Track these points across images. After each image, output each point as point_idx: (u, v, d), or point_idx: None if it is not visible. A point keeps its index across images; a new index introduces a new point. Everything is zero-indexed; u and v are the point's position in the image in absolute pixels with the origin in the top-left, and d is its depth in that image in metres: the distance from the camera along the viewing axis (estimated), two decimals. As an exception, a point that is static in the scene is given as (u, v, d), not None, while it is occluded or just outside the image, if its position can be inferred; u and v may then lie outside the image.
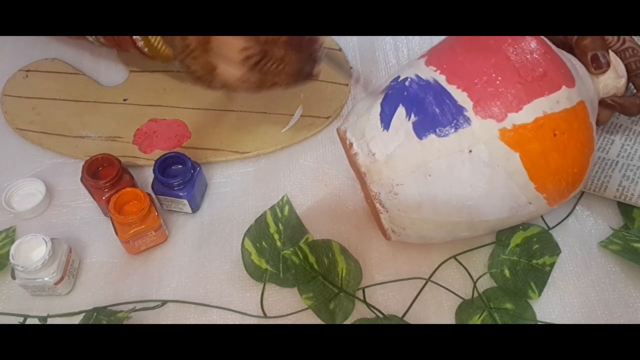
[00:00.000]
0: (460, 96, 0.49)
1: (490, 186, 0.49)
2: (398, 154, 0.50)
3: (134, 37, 0.61)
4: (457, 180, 0.49)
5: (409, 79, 0.52)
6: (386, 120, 0.51)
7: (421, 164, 0.49)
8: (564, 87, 0.49)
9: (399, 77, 0.54)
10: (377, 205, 0.52)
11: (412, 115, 0.50)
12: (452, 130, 0.49)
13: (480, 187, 0.49)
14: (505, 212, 0.51)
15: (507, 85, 0.49)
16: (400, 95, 0.52)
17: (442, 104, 0.49)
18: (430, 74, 0.51)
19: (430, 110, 0.49)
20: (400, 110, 0.51)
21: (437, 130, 0.49)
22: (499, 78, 0.49)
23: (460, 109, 0.49)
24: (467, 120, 0.48)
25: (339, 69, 0.59)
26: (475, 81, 0.49)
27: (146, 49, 0.62)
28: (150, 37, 0.61)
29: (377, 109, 0.52)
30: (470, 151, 0.48)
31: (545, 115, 0.48)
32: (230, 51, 0.53)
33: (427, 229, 0.53)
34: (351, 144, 0.53)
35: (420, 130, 0.50)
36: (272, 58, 0.55)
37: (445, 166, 0.49)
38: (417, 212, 0.51)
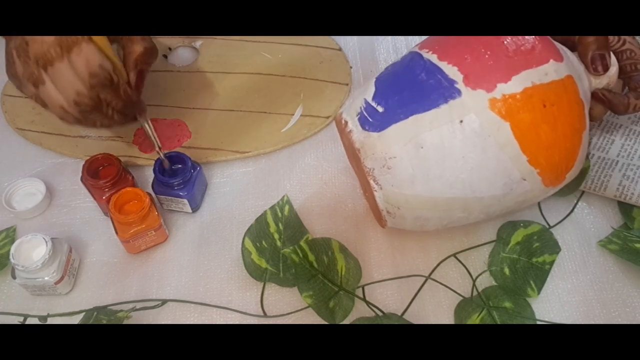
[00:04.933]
0: (450, 70, 0.50)
1: (482, 158, 0.50)
2: (391, 127, 0.51)
3: None
4: (449, 151, 0.50)
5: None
6: (379, 96, 0.52)
7: (413, 135, 0.50)
8: (551, 60, 0.50)
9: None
10: (371, 182, 0.53)
11: (405, 90, 0.51)
12: (443, 102, 0.49)
13: (472, 158, 0.50)
14: (499, 189, 0.51)
15: (496, 58, 0.50)
16: (394, 74, 0.53)
17: (433, 79, 0.50)
18: (423, 54, 0.53)
19: (421, 84, 0.51)
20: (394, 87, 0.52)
21: (429, 103, 0.50)
22: (488, 52, 0.50)
23: (451, 82, 0.50)
24: (458, 91, 0.49)
25: (151, 137, 0.62)
26: (465, 56, 0.50)
27: None
28: None
29: (372, 88, 0.54)
30: (461, 121, 0.49)
31: (534, 85, 0.49)
32: (66, 88, 0.54)
33: (421, 207, 0.53)
34: (346, 123, 0.54)
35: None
36: (100, 114, 0.57)
37: (437, 137, 0.50)
38: (411, 187, 0.51)
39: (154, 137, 0.62)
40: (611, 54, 0.55)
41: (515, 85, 0.49)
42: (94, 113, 0.57)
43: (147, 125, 0.62)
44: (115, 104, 0.57)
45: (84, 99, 0.55)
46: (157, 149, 0.63)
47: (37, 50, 0.53)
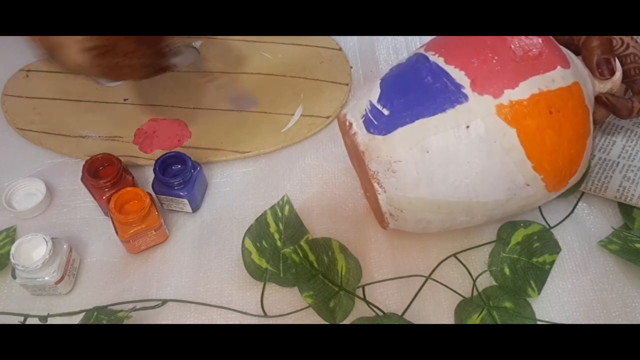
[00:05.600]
0: (457, 75, 0.50)
1: (487, 163, 0.50)
2: (397, 130, 0.51)
3: None
4: (454, 156, 0.50)
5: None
6: (385, 98, 0.52)
7: (419, 139, 0.50)
8: (559, 67, 0.50)
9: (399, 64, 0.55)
10: (375, 185, 0.53)
11: (411, 93, 0.51)
12: (450, 106, 0.49)
13: (477, 163, 0.50)
14: (502, 194, 0.51)
15: (504, 63, 0.50)
16: (400, 76, 0.53)
17: (439, 82, 0.50)
18: (429, 57, 0.52)
19: (428, 88, 0.51)
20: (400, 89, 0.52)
21: (435, 107, 0.50)
22: (496, 57, 0.50)
23: (457, 87, 0.49)
24: (465, 96, 0.49)
25: (188, 61, 0.61)
26: (472, 60, 0.50)
27: None
28: None
29: (377, 90, 0.53)
30: (468, 127, 0.49)
31: (540, 92, 0.49)
32: (73, 42, 0.53)
33: (424, 210, 0.53)
34: (350, 124, 0.54)
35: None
36: (120, 51, 0.55)
37: (442, 142, 0.49)
38: (415, 191, 0.51)
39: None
40: (615, 58, 0.55)
41: (522, 91, 0.49)
42: (110, 56, 0.54)
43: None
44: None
45: (90, 42, 0.53)
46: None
47: None
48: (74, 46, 0.53)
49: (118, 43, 0.54)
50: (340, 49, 0.80)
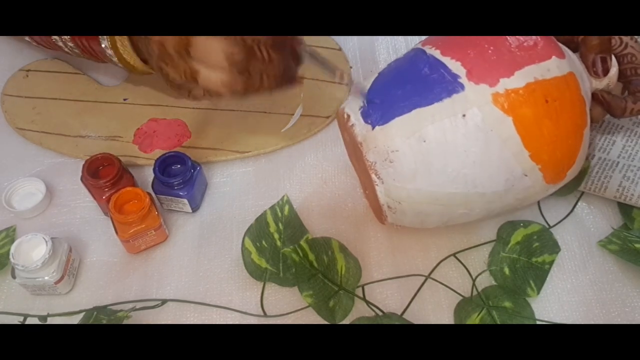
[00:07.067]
0: (454, 65, 0.50)
1: (484, 152, 0.50)
2: (394, 120, 0.51)
3: (107, 52, 0.60)
4: (452, 145, 0.50)
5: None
6: (383, 91, 0.53)
7: (416, 129, 0.50)
8: (554, 57, 0.51)
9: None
10: (373, 176, 0.53)
11: (409, 85, 0.52)
12: (446, 96, 0.50)
13: (474, 152, 0.50)
14: (501, 185, 0.52)
15: (499, 54, 0.50)
16: (398, 69, 0.54)
17: (436, 73, 0.51)
18: (426, 50, 0.53)
19: (425, 79, 0.51)
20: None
21: (432, 97, 0.50)
22: (491, 48, 0.50)
23: (454, 76, 0.50)
24: (461, 86, 0.49)
25: (323, 67, 0.57)
26: (469, 52, 0.51)
27: (121, 65, 0.62)
28: (120, 50, 0.59)
29: (375, 83, 0.54)
30: (464, 115, 0.49)
31: (536, 81, 0.49)
32: (215, 56, 0.51)
33: (422, 201, 0.53)
34: (348, 117, 0.54)
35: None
36: (257, 60, 0.53)
37: (439, 131, 0.50)
38: (412, 182, 0.51)
39: (327, 64, 0.56)
40: (612, 56, 0.55)
41: (518, 80, 0.49)
42: (253, 61, 0.52)
43: (315, 55, 0.56)
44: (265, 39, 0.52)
45: (234, 48, 0.51)
46: (337, 76, 0.56)
47: (168, 44, 0.52)
48: (219, 63, 0.51)
49: (254, 52, 0.52)
50: (340, 49, 0.80)
